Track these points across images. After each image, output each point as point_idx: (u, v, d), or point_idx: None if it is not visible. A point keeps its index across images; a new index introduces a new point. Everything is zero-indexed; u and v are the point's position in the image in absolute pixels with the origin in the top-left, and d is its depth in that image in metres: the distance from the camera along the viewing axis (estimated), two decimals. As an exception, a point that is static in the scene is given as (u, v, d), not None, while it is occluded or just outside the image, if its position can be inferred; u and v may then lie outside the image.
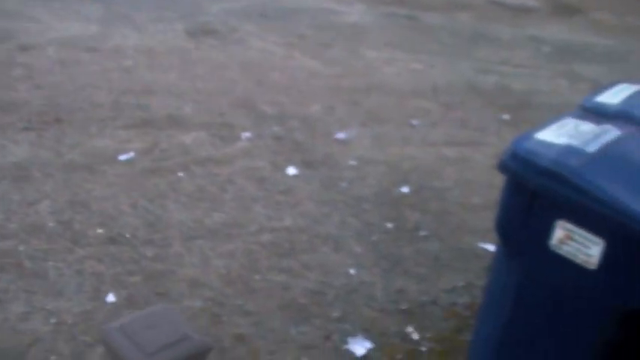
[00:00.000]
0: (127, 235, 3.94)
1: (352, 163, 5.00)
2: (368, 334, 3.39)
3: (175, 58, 6.70)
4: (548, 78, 7.42)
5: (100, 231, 3.96)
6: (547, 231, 2.34)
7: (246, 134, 5.26)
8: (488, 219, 4.30)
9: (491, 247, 3.96)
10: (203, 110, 5.61)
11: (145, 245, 3.88)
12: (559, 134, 2.45)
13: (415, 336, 3.41)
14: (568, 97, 6.66)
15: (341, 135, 5.39)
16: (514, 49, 8.55)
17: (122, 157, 4.75)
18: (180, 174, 4.61)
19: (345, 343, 3.33)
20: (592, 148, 2.34)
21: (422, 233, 4.24)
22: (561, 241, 2.32)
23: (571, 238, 2.29)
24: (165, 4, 8.47)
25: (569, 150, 2.32)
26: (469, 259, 4.03)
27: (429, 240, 4.18)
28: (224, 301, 3.52)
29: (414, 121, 5.86)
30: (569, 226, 2.28)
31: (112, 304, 3.42)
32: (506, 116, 6.15)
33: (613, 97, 2.87)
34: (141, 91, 5.87)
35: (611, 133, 2.46)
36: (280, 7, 9.10)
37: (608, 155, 2.34)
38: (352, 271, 3.84)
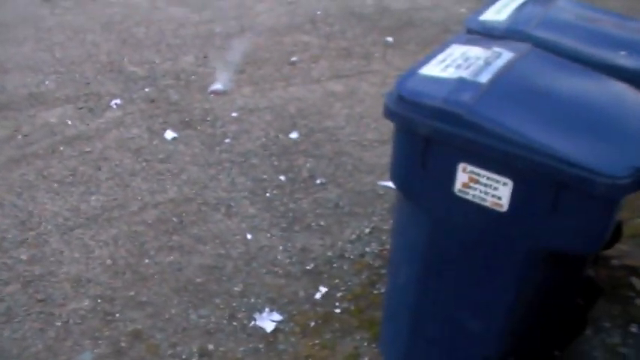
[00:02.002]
0: (-4, 240, 3.55)
1: (234, 115, 4.64)
2: (275, 305, 3.12)
3: (29, 28, 6.13)
4: (428, -9, 7.13)
5: (-36, 240, 3.55)
6: (449, 177, 2.09)
7: (116, 101, 4.82)
8: (385, 154, 4.08)
9: (392, 184, 3.72)
10: (66, 82, 5.14)
11: (18, 247, 3.49)
12: (446, 66, 2.18)
13: (326, 298, 3.16)
14: (452, 10, 6.40)
15: (218, 86, 5.00)
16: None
17: (-20, 150, 4.29)
18: (49, 158, 4.18)
19: (252, 319, 3.06)
20: (484, 77, 2.08)
21: (318, 181, 3.96)
22: (466, 186, 2.08)
23: (476, 181, 2.05)
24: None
25: (460, 84, 2.06)
26: (371, 201, 3.79)
27: (327, 187, 3.91)
28: (114, 296, 3.19)
29: (294, 58, 5.51)
30: (472, 168, 2.04)
31: (-12, 323, 3.06)
32: (389, 39, 5.86)
33: (497, 13, 2.63)
34: (-7, 71, 5.35)
35: (502, 56, 2.20)
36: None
37: (504, 83, 2.09)
38: (249, 236, 3.54)
